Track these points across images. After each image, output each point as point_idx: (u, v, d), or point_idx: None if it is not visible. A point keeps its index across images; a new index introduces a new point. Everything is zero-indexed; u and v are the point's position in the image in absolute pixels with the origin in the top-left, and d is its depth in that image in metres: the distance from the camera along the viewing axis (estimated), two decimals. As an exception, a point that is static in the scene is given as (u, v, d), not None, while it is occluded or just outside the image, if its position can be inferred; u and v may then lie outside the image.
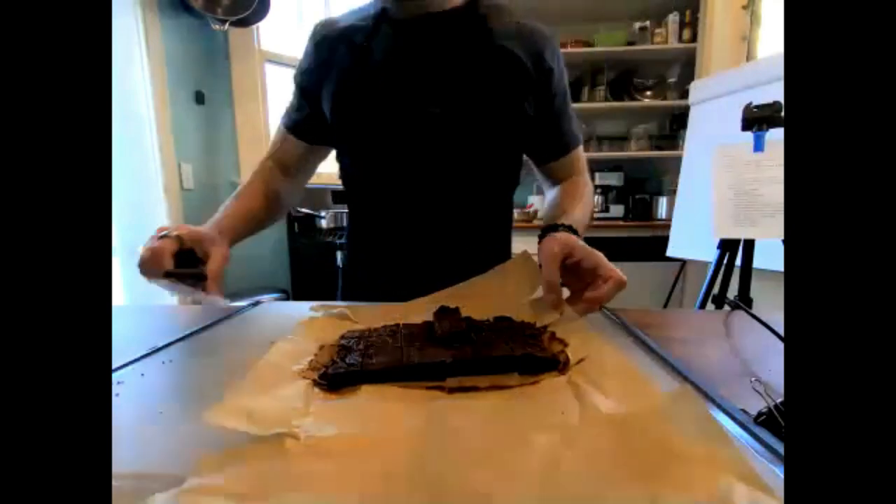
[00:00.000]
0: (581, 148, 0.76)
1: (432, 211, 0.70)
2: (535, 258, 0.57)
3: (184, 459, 0.25)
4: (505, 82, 0.64)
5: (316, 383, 0.36)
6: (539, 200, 2.53)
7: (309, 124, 0.73)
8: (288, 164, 0.76)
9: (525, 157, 0.76)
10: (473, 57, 0.64)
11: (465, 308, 0.49)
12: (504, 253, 0.78)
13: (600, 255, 0.50)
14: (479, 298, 0.54)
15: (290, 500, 0.24)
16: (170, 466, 0.26)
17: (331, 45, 0.69)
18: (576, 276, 0.50)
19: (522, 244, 0.70)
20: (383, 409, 0.33)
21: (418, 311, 0.51)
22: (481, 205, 0.72)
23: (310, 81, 0.71)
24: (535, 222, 2.27)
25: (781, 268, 1.36)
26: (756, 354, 0.47)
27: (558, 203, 0.70)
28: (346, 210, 0.80)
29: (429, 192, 0.69)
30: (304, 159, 0.77)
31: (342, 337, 0.45)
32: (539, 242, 0.55)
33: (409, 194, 0.69)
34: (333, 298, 0.62)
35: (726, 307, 1.27)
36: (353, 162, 0.73)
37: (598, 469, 0.25)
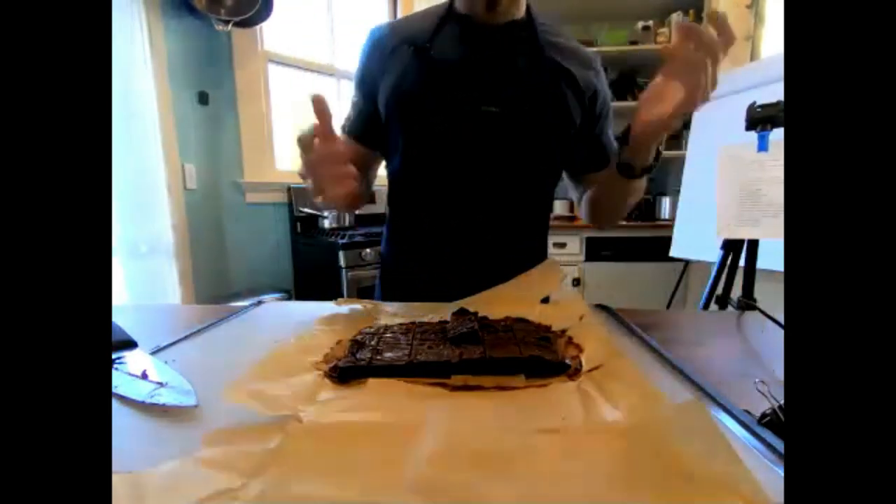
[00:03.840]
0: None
1: (480, 208, 0.72)
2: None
3: (185, 456, 0.25)
4: (557, 90, 0.69)
5: (327, 375, 0.38)
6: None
7: (370, 127, 0.73)
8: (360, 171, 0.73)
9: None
10: (530, 65, 0.68)
11: (488, 310, 0.49)
12: (541, 250, 0.81)
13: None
14: (502, 303, 0.55)
15: (281, 476, 0.25)
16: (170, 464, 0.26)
17: (392, 44, 0.70)
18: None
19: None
20: (386, 403, 0.34)
21: (439, 312, 0.52)
22: (525, 203, 0.75)
23: (369, 79, 0.71)
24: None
25: (785, 268, 1.35)
26: (759, 355, 0.46)
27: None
28: (386, 211, 0.80)
29: (478, 188, 0.71)
30: (364, 166, 0.74)
31: (359, 332, 0.46)
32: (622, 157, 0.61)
33: (458, 191, 0.71)
34: (335, 298, 0.62)
35: (730, 307, 1.26)
36: (404, 158, 0.72)
37: (592, 478, 0.24)
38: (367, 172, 0.77)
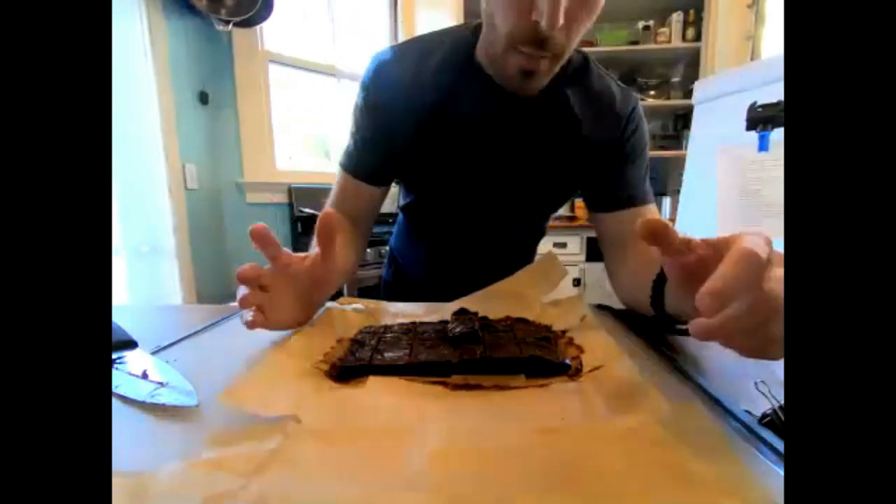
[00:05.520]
0: (653, 207, 0.69)
1: (482, 248, 0.81)
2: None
3: (186, 457, 0.26)
4: (569, 155, 0.67)
5: (326, 374, 0.39)
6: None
7: (384, 166, 0.68)
8: (361, 217, 0.70)
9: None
10: (549, 139, 0.66)
11: (488, 310, 0.49)
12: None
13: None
14: (503, 301, 0.55)
15: (279, 477, 0.25)
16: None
17: (410, 93, 0.63)
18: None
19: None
20: (385, 402, 0.34)
21: (439, 312, 0.52)
22: (523, 234, 0.87)
23: (384, 118, 0.65)
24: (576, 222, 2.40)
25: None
26: (758, 355, 0.46)
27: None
28: (396, 228, 0.89)
29: (481, 235, 0.79)
30: (377, 206, 0.72)
31: (359, 332, 0.46)
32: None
33: (463, 235, 0.79)
34: (333, 297, 0.62)
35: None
36: (417, 201, 0.78)
37: (590, 478, 0.24)
38: (375, 215, 0.74)
